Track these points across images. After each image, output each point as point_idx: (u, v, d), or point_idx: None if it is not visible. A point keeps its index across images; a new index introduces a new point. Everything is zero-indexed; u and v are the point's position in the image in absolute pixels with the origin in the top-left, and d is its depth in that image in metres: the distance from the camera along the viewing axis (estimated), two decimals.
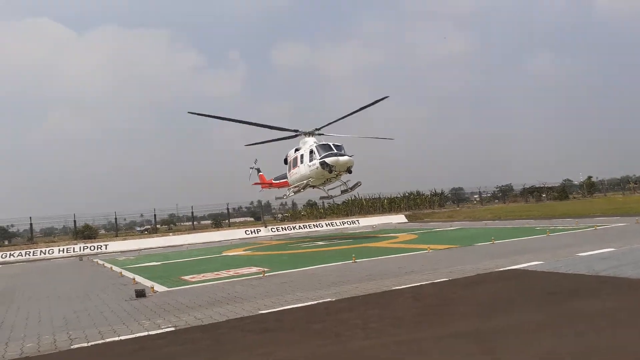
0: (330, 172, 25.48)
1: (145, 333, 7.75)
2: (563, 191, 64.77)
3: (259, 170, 37.60)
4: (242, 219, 54.09)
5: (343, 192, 29.25)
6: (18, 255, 35.68)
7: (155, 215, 48.41)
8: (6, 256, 35.44)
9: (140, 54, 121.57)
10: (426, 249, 16.97)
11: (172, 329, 7.94)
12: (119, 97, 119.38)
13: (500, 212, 42.06)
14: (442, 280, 10.55)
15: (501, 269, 11.41)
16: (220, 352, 6.44)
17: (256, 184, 38.03)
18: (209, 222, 55.61)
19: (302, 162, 27.62)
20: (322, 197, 29.93)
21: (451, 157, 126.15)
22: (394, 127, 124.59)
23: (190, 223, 50.75)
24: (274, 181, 35.00)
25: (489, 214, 42.02)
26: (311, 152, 26.59)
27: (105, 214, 49.50)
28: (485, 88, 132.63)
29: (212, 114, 28.56)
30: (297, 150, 29.14)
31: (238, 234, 41.44)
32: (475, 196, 69.43)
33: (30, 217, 43.17)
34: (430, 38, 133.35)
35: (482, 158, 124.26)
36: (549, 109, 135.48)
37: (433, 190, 63.80)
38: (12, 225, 48.04)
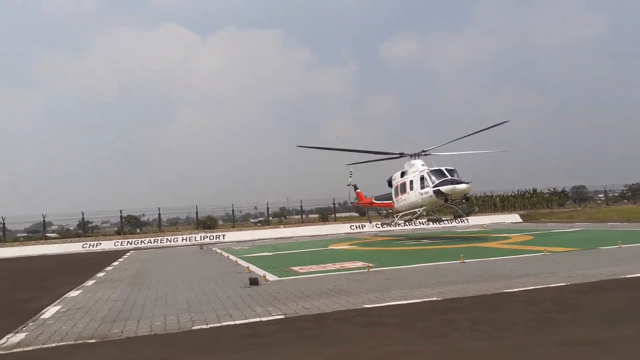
0: (446, 200, 24.14)
1: (258, 319, 8.25)
2: None
3: (355, 187, 37.07)
4: (347, 214, 54.75)
5: (456, 216, 27.39)
6: (148, 242, 39.66)
7: (267, 208, 51.17)
8: (138, 242, 39.58)
9: (257, 54, 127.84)
10: (542, 251, 15.93)
11: (282, 316, 8.36)
12: (240, 97, 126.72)
13: (629, 214, 38.02)
14: (560, 284, 9.88)
15: (628, 276, 10.40)
16: (327, 341, 6.67)
17: (355, 204, 38.14)
18: (316, 216, 57.11)
19: (412, 188, 26.17)
20: (430, 219, 27.84)
21: (573, 152, 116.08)
22: (510, 118, 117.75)
23: (299, 216, 52.58)
24: (374, 200, 33.72)
25: (616, 215, 38.21)
26: (422, 178, 25.13)
27: (223, 206, 53.32)
28: (616, 74, 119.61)
29: (320, 146, 29.79)
30: (403, 174, 27.78)
31: (343, 228, 42.12)
32: (600, 195, 63.37)
33: (159, 208, 47.64)
34: (552, 22, 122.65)
35: (609, 153, 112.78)
36: None
37: (551, 189, 59.48)
38: (144, 215, 53.37)
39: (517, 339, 6.24)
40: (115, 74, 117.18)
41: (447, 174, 24.23)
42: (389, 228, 32.85)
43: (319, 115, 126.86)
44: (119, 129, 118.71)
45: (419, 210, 26.37)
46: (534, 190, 58.84)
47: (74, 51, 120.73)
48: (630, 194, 63.62)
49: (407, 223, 28.49)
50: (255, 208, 57.26)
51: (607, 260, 13.30)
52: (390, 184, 29.87)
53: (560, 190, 60.44)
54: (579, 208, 54.28)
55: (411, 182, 26.33)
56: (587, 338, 6.12)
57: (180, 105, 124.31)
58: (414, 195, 25.98)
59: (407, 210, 27.34)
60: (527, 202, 56.31)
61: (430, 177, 24.58)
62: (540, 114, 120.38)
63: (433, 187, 24.10)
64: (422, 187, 25.04)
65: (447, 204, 25.05)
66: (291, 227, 44.45)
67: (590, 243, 18.50)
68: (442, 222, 26.52)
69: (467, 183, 24.01)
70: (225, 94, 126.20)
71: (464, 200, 25.05)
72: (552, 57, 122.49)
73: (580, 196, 62.78)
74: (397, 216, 29.00)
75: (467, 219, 26.25)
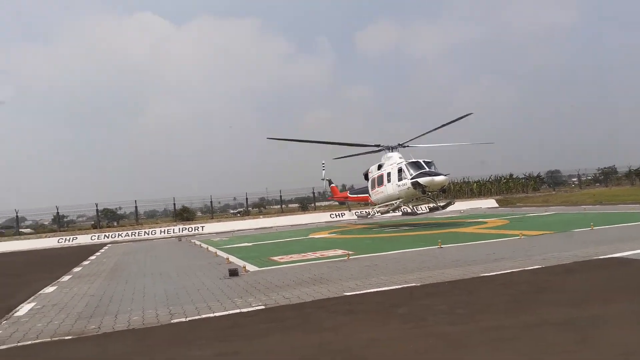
0: (424, 192, 24.12)
1: (238, 310, 8.21)
2: None
3: (330, 182, 36.94)
4: (327, 203, 54.93)
5: (432, 209, 27.02)
6: (125, 235, 39.12)
7: (247, 198, 50.98)
8: (115, 236, 38.99)
9: (233, 44, 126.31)
10: (518, 235, 16.23)
11: (262, 307, 8.34)
12: (216, 86, 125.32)
13: (601, 197, 39.01)
14: (534, 267, 10.09)
15: (601, 257, 10.67)
16: (308, 330, 6.68)
17: (330, 198, 38.11)
18: (296, 205, 57.13)
19: (389, 180, 26.18)
20: (405, 214, 27.07)
21: (547, 137, 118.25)
22: (485, 106, 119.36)
23: (279, 206, 52.50)
24: (350, 195, 33.87)
25: (589, 198, 39.17)
26: (400, 170, 25.17)
27: (201, 197, 52.85)
28: (586, 60, 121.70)
29: (291, 138, 29.42)
30: (380, 166, 27.74)
31: (323, 217, 42.21)
32: (574, 179, 64.81)
33: (136, 201, 47.01)
34: (529, 7, 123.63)
35: (581, 138, 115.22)
36: None
37: (527, 174, 60.53)
38: (120, 208, 52.61)
39: (493, 321, 6.35)
40: (87, 63, 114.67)
41: (425, 166, 24.36)
42: (364, 220, 32.65)
43: (297, 105, 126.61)
44: (92, 120, 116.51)
45: (395, 202, 26.27)
46: (510, 175, 59.85)
47: (44, 40, 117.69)
48: (602, 177, 65.19)
49: (383, 215, 28.33)
50: (234, 199, 57.01)
51: (580, 242, 13.62)
52: (366, 176, 29.77)
53: (535, 175, 61.59)
54: (554, 192, 55.42)
55: (389, 174, 26.30)
56: (560, 318, 6.26)
57: (154, 95, 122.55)
58: (391, 188, 25.96)
59: (384, 202, 27.22)
60: (504, 187, 57.25)
61: (408, 169, 24.63)
62: (516, 100, 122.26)
63: (411, 179, 24.17)
64: (400, 179, 25.06)
65: (425, 196, 25.03)
66: (271, 217, 44.35)
67: (564, 226, 18.91)
68: (417, 216, 26.11)
69: (445, 175, 24.28)
70: (201, 83, 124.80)
71: (441, 192, 25.14)
72: (527, 43, 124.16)
73: (554, 180, 64.11)
74: (374, 209, 28.80)
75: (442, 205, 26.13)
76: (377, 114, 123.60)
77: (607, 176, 64.75)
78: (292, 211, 51.40)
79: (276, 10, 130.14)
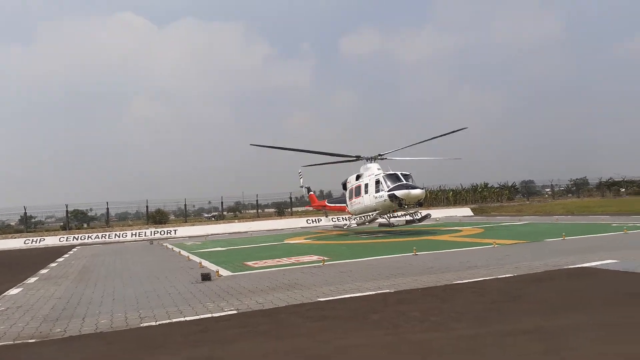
0: (400, 205, 24.14)
1: (209, 315, 8.06)
2: None
3: (309, 190, 36.92)
4: (304, 208, 54.81)
5: (409, 222, 26.44)
6: (95, 237, 38.29)
7: (222, 202, 50.39)
8: (85, 238, 38.12)
9: (215, 46, 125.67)
10: (492, 244, 16.43)
11: (235, 312, 8.21)
12: (196, 89, 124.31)
13: (573, 207, 39.93)
14: (507, 276, 10.19)
15: (571, 267, 10.85)
16: (280, 336, 6.58)
17: (307, 207, 38.00)
18: (273, 210, 56.80)
19: (366, 192, 26.12)
20: (381, 225, 26.58)
21: (522, 148, 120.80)
22: (466, 116, 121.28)
23: (255, 211, 52.11)
24: (327, 204, 33.79)
25: (561, 208, 40.03)
26: (377, 182, 25.15)
27: (175, 200, 52.05)
28: (565, 74, 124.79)
29: (274, 145, 29.12)
30: (358, 177, 27.71)
31: (300, 222, 42.10)
32: (547, 190, 66.25)
33: (107, 202, 46.05)
34: (513, 21, 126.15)
35: (555, 150, 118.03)
36: (629, 94, 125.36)
37: (502, 183, 61.59)
38: (91, 210, 51.50)
39: (466, 329, 6.36)
40: (64, 63, 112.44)
41: (403, 179, 24.48)
42: (341, 230, 32.47)
43: (277, 109, 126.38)
44: (65, 121, 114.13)
45: (372, 215, 26.26)
46: (485, 184, 60.79)
47: (21, 40, 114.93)
48: (575, 188, 66.91)
49: (359, 226, 28.24)
50: (209, 202, 56.50)
51: (551, 251, 13.84)
52: (344, 186, 29.71)
53: (510, 184, 62.71)
54: (527, 202, 56.53)
55: (366, 185, 26.28)
56: (531, 327, 6.31)
57: (132, 96, 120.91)
58: (368, 199, 25.93)
59: (361, 213, 27.18)
60: (479, 196, 58.08)
61: (385, 181, 24.66)
62: (495, 111, 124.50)
63: (388, 192, 24.21)
64: (377, 191, 25.07)
65: (401, 209, 25.06)
66: (246, 221, 44.01)
67: (537, 235, 19.23)
68: (394, 227, 25.97)
69: (422, 189, 24.52)
70: (180, 85, 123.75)
71: (418, 205, 25.14)
72: (509, 54, 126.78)
73: (528, 190, 65.44)
74: (350, 219, 28.62)
75: (420, 213, 26.15)
76: (359, 120, 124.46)
77: (579, 187, 66.48)
78: (268, 216, 51.12)
79: (260, 14, 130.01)
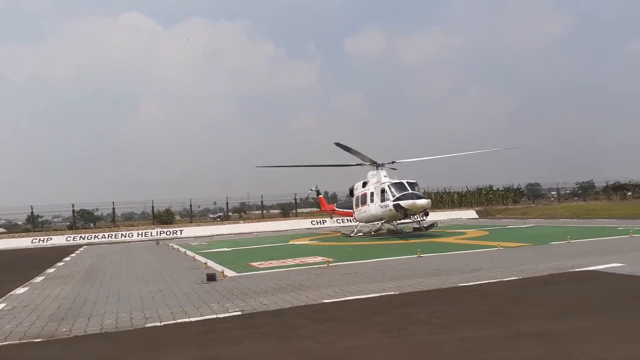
0: (406, 215, 24.02)
1: (214, 316, 8.09)
2: None
3: (318, 193, 36.91)
4: (308, 210, 54.75)
5: (415, 229, 26.19)
6: (102, 237, 38.42)
7: (227, 203, 50.57)
8: (91, 237, 38.28)
9: (222, 46, 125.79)
10: (496, 247, 16.38)
11: (239, 313, 8.23)
12: (203, 89, 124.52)
13: (579, 210, 39.71)
14: (512, 278, 10.16)
15: (577, 270, 10.80)
16: (285, 337, 6.60)
17: (317, 211, 38.12)
18: (278, 211, 56.84)
19: (372, 200, 25.96)
20: (389, 230, 26.64)
21: (529, 150, 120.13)
22: (474, 118, 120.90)
23: (260, 212, 52.17)
24: (336, 208, 33.75)
25: (567, 211, 39.82)
26: (383, 191, 24.96)
27: (181, 201, 52.15)
28: (572, 74, 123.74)
29: (280, 164, 29.65)
30: (365, 184, 27.60)
31: (304, 223, 42.09)
32: (553, 193, 65.92)
33: (113, 202, 46.25)
34: (521, 21, 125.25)
35: (562, 152, 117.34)
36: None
37: (507, 186, 61.36)
38: (97, 209, 51.71)
39: (470, 332, 6.35)
40: (72, 63, 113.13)
41: (408, 188, 24.32)
42: (349, 238, 32.36)
43: (284, 109, 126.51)
44: (74, 121, 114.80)
45: (378, 224, 26.18)
46: (490, 187, 60.56)
47: (30, 40, 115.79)
48: (580, 191, 66.56)
49: (365, 235, 27.18)
50: (215, 203, 56.53)
51: (556, 254, 13.78)
52: (352, 192, 29.65)
53: (515, 187, 62.46)
54: (533, 205, 56.28)
55: (372, 193, 26.19)
56: (536, 330, 6.29)
57: (140, 97, 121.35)
58: (374, 208, 25.82)
59: (367, 221, 27.09)
60: (484, 198, 57.88)
61: (391, 190, 24.49)
62: (502, 112, 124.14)
63: (393, 201, 24.04)
64: (383, 200, 24.91)
65: (406, 218, 24.87)
66: (251, 222, 44.05)
67: (542, 238, 19.14)
68: (401, 234, 25.68)
69: (427, 198, 24.36)
70: (187, 86, 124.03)
71: (423, 215, 24.91)
72: (518, 54, 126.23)
73: (534, 193, 65.20)
74: (357, 227, 28.30)
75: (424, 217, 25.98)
76: (366, 120, 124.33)
77: (585, 190, 66.13)
78: (273, 217, 51.16)
79: (266, 13, 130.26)
